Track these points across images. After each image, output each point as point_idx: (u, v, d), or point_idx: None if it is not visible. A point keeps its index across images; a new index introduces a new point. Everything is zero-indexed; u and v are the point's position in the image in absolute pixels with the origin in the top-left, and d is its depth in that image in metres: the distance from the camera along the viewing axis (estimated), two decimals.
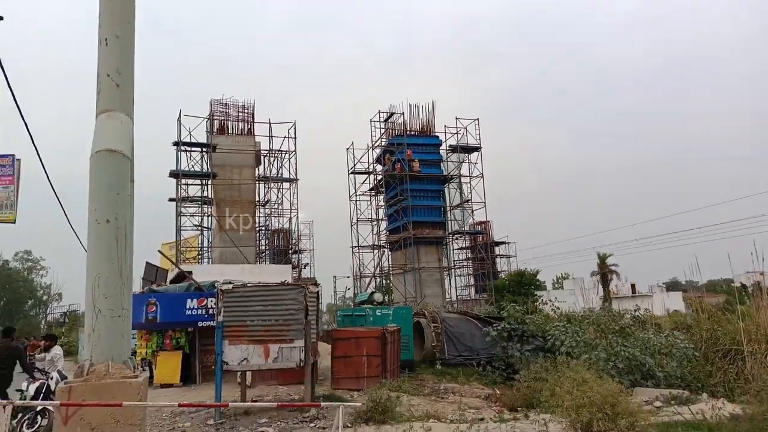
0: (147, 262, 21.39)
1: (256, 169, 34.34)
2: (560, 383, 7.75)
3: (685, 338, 14.81)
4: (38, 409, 9.09)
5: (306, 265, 48.22)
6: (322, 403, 8.92)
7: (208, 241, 34.27)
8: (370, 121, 37.34)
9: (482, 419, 9.35)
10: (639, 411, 6.78)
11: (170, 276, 22.09)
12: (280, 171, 35.05)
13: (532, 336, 16.30)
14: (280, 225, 36.39)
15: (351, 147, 39.05)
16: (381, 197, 38.97)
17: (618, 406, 6.60)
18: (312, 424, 9.80)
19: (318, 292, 12.66)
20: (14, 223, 15.87)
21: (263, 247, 37.43)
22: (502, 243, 43.99)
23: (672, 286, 64.44)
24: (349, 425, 9.30)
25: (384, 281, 40.75)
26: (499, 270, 41.27)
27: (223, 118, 32.87)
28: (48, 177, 10.30)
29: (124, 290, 7.07)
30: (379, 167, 38.69)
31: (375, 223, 38.80)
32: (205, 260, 33.26)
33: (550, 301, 21.78)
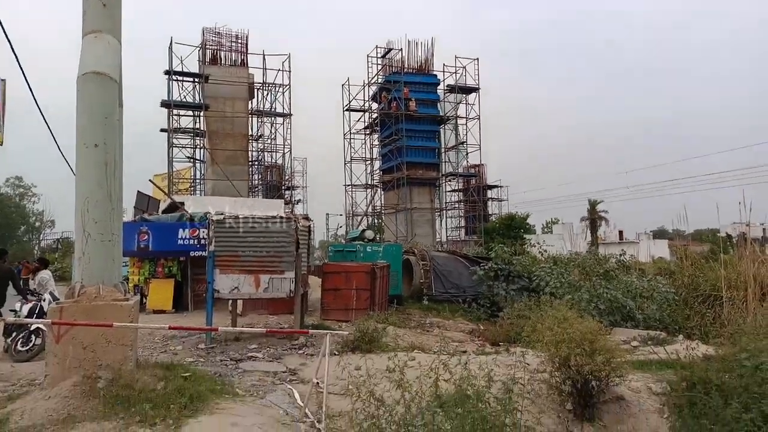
0: (138, 191, 21.33)
1: (249, 102, 33.71)
2: (542, 320, 7.97)
3: (667, 283, 15.20)
4: (32, 328, 9.29)
5: (299, 201, 48.35)
6: (310, 331, 9.17)
7: (201, 173, 34.08)
8: (367, 56, 36.40)
9: (465, 352, 9.68)
10: (616, 349, 7.00)
11: (162, 206, 22.09)
12: (274, 105, 34.45)
13: (518, 276, 16.66)
14: (274, 160, 36.14)
15: (346, 83, 38.23)
16: (376, 136, 38.55)
17: (596, 343, 6.80)
18: (300, 351, 10.12)
19: (309, 226, 12.76)
20: (1, 144, 15.63)
21: (256, 182, 37.33)
22: (495, 186, 44.07)
23: (659, 234, 65.40)
24: (336, 353, 9.62)
25: (376, 220, 41.02)
26: (490, 213, 41.55)
27: (215, 47, 31.91)
28: (36, 100, 10.04)
29: (114, 215, 7.08)
30: (374, 105, 38.06)
31: (369, 162, 38.60)
32: (198, 192, 33.19)
33: (538, 244, 22.14)
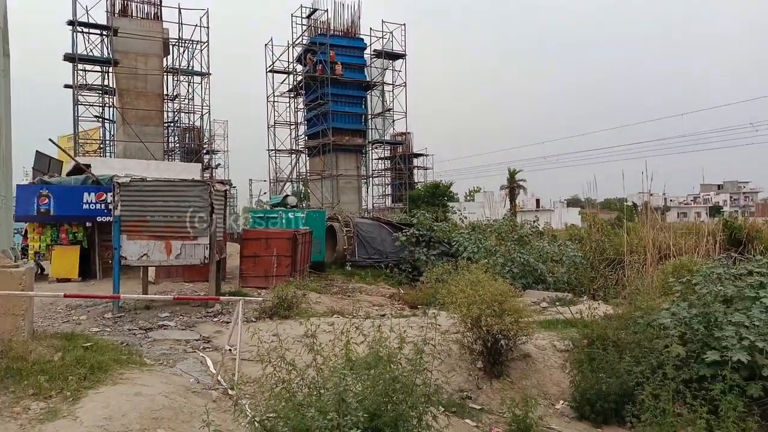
0: (37, 152, 19.63)
1: (164, 59, 31.65)
2: (457, 283, 8.17)
3: (576, 248, 16.10)
4: None
5: (219, 165, 46.59)
6: (222, 298, 8.92)
7: (110, 134, 31.87)
8: (291, 15, 35.06)
9: (383, 315, 9.80)
10: (524, 309, 7.31)
11: (66, 169, 20.50)
12: (191, 63, 32.58)
13: (438, 242, 17.04)
14: (192, 122, 34.41)
15: (270, 43, 36.75)
16: (300, 100, 37.55)
17: (505, 304, 7.07)
18: (216, 319, 9.84)
19: (226, 190, 12.29)
20: None
21: (172, 145, 35.48)
22: (421, 155, 44.48)
23: (572, 202, 69.18)
24: (254, 320, 9.43)
25: (301, 186, 40.39)
26: (416, 181, 42.00)
27: None
28: None
29: (1, 176, 6.44)
30: (299, 67, 36.92)
31: (293, 126, 37.63)
32: (108, 154, 31.07)
33: (461, 211, 22.70)
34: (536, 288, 13.69)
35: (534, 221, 17.99)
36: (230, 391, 6.33)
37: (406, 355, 4.99)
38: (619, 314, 8.34)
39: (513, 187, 50.33)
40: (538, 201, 63.22)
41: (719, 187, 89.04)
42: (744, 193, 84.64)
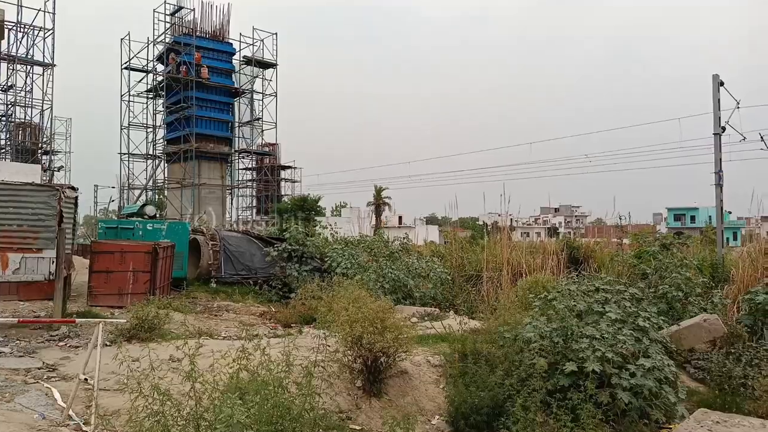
0: None
1: None
2: (336, 300, 8.11)
3: (440, 264, 16.91)
4: None
5: (60, 168, 41.75)
6: (78, 319, 7.90)
7: None
8: (154, 11, 32.78)
9: (256, 335, 9.37)
10: (404, 326, 7.47)
11: None
12: (32, 51, 28.90)
13: (311, 257, 16.82)
14: (28, 118, 30.43)
15: (127, 38, 33.94)
16: (160, 101, 35.08)
17: (386, 321, 7.17)
18: (61, 343, 8.68)
19: (76, 197, 11.04)
20: None
21: (2, 142, 31.06)
22: (289, 167, 43.88)
23: (431, 220, 72.98)
24: (109, 344, 8.45)
25: (157, 195, 37.57)
26: (283, 194, 41.30)
27: None
28: None
29: None
30: (160, 67, 34.55)
31: (151, 130, 35.00)
32: None
33: (330, 225, 22.73)
34: (405, 303, 14.07)
35: (404, 238, 18.57)
36: (84, 427, 5.58)
37: (295, 379, 4.80)
38: (486, 328, 8.89)
39: (379, 203, 51.74)
40: (400, 218, 65.66)
41: (556, 210, 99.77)
42: (576, 216, 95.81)
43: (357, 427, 6.62)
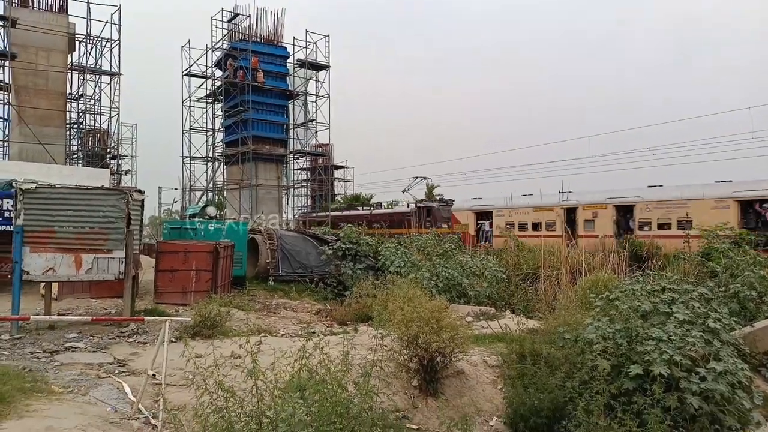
0: None
1: (69, 55, 29.41)
2: (392, 299, 8.12)
3: (496, 263, 16.66)
4: None
5: (127, 171, 43.96)
6: (146, 318, 8.28)
7: (4, 134, 29.04)
8: (212, 18, 33.89)
9: (313, 332, 9.54)
10: (460, 325, 7.40)
11: None
12: (100, 62, 30.49)
13: (364, 255, 16.97)
14: (98, 124, 32.14)
15: (187, 45, 35.25)
16: (219, 106, 36.24)
17: (442, 320, 7.12)
18: (131, 339, 9.12)
19: (142, 200, 11.55)
20: None
21: (75, 148, 32.94)
22: (342, 167, 44.47)
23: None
24: (174, 340, 8.80)
25: (217, 196, 38.88)
26: (336, 193, 41.85)
27: None
28: None
29: None
30: (218, 72, 35.70)
31: (211, 133, 36.23)
32: (1, 156, 28.25)
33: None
34: (459, 302, 13.94)
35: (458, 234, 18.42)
36: (153, 421, 5.85)
37: (353, 379, 4.84)
38: (545, 329, 8.68)
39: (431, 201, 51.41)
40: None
41: None
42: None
43: (414, 427, 6.61)
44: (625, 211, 26.51)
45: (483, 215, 33.75)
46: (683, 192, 24.15)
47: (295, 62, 36.16)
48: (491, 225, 32.67)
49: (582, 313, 8.37)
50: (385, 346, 5.69)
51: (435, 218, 31.42)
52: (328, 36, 36.34)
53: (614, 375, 6.35)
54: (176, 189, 40.59)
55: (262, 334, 9.34)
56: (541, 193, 31.13)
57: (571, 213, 28.43)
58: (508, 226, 30.52)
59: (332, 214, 35.85)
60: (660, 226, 24.11)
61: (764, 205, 21.71)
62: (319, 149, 39.75)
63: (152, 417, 5.88)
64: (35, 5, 27.31)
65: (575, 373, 6.57)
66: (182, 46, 35.21)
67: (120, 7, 29.54)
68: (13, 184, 9.89)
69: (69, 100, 30.04)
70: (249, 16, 34.09)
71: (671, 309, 7.19)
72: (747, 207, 22.20)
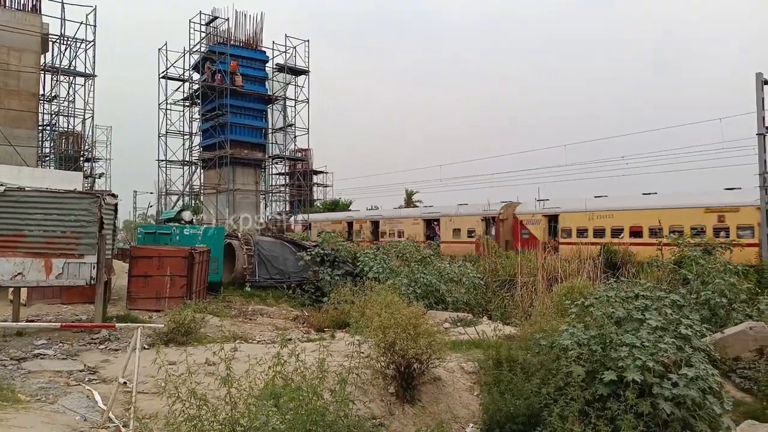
0: None
1: (43, 56, 28.77)
2: (370, 305, 8.09)
3: (473, 269, 16.75)
4: None
5: (101, 175, 43.10)
6: (117, 324, 8.10)
7: None
8: (190, 21, 33.44)
9: (290, 339, 9.45)
10: (438, 332, 7.40)
11: None
12: (74, 63, 29.91)
13: (343, 261, 16.90)
14: (71, 127, 31.47)
15: (164, 48, 34.78)
16: (196, 109, 35.82)
17: (420, 327, 7.12)
18: (102, 346, 8.93)
19: (116, 204, 11.33)
20: None
21: (47, 150, 32.19)
22: (321, 172, 44.28)
23: None
24: (147, 347, 8.64)
25: (194, 200, 38.38)
26: (315, 198, 41.65)
27: None
28: None
29: None
30: (196, 75, 35.29)
31: (187, 137, 35.75)
32: None
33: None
34: (437, 308, 13.97)
35: (436, 240, 18.48)
36: (123, 429, 5.71)
37: (329, 386, 4.80)
38: (521, 335, 8.74)
39: (410, 207, 51.59)
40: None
41: None
42: None
43: None
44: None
45: (431, 222, 35.33)
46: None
47: (275, 66, 35.98)
48: (439, 231, 34.07)
49: (558, 320, 8.44)
50: (362, 353, 5.65)
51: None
52: (308, 41, 36.25)
53: (589, 381, 6.41)
54: (152, 193, 39.97)
55: (238, 341, 9.25)
56: (489, 202, 31.99)
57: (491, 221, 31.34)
58: (456, 232, 32.32)
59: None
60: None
61: (434, 223, 33.61)
62: (298, 154, 39.54)
63: (123, 426, 5.76)
64: (7, 4, 26.68)
65: (551, 380, 6.62)
66: (159, 49, 34.72)
67: (95, 8, 29.01)
68: None
69: (42, 102, 29.35)
70: (227, 20, 33.79)
71: (644, 315, 7.30)
72: (428, 223, 33.72)
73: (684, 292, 10.76)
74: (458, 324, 11.57)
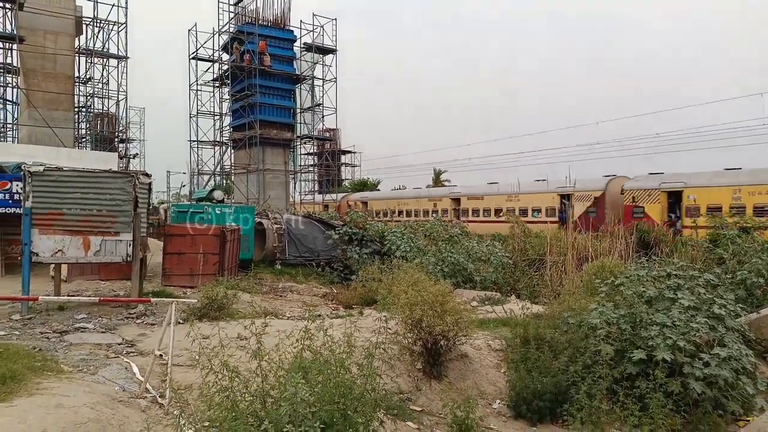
0: None
1: (77, 39, 29.39)
2: (397, 283, 8.15)
3: (502, 248, 16.65)
4: None
5: (135, 155, 44.15)
6: (153, 299, 8.37)
7: (13, 117, 29.20)
8: (218, 2, 33.66)
9: (319, 315, 9.61)
10: (464, 310, 7.43)
11: None
12: (107, 45, 30.47)
13: (371, 240, 17.02)
14: (106, 108, 32.20)
15: (194, 29, 35.10)
16: (226, 90, 36.15)
17: (446, 304, 7.15)
18: (139, 321, 9.24)
19: (150, 183, 11.60)
20: None
21: (83, 132, 33.06)
22: (349, 152, 44.39)
23: None
24: (181, 321, 8.92)
25: (224, 180, 38.99)
26: (343, 178, 41.82)
27: None
28: None
29: None
30: (225, 56, 35.54)
31: (218, 117, 36.19)
32: (9, 139, 28.44)
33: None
34: (465, 287, 13.97)
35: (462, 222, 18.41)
36: (160, 400, 5.94)
37: (356, 361, 4.89)
38: (549, 314, 8.70)
39: (438, 186, 51.33)
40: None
41: None
42: None
43: (417, 408, 6.68)
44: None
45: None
46: None
47: (302, 46, 35.91)
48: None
49: (587, 299, 8.37)
50: (389, 329, 5.73)
51: None
52: (335, 20, 36.03)
53: (617, 360, 6.37)
54: (184, 173, 40.71)
55: (268, 317, 9.46)
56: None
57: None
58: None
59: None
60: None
61: None
62: (326, 134, 39.64)
63: (159, 396, 5.98)
64: None
65: (578, 358, 6.60)
66: (188, 30, 35.08)
67: None
68: (22, 167, 9.95)
69: (77, 84, 30.07)
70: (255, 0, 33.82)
71: (676, 295, 7.17)
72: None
73: (719, 272, 10.49)
74: (486, 302, 11.56)
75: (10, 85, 28.21)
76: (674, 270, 7.89)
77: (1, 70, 27.70)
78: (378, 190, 40.37)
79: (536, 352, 7.09)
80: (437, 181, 52.83)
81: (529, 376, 6.74)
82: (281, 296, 12.88)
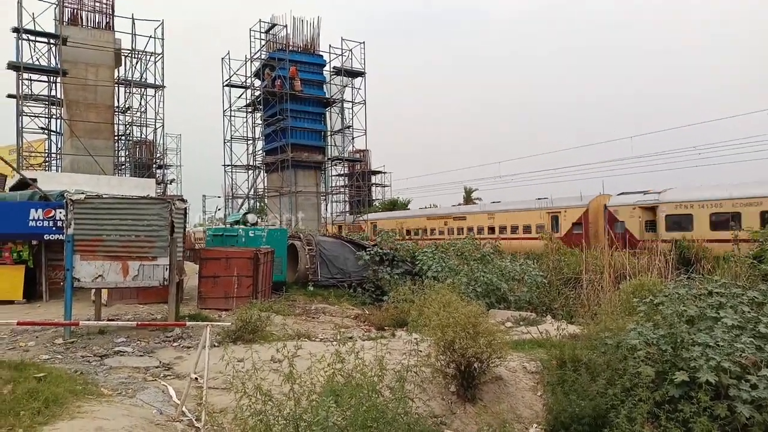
0: None
1: (116, 70, 30.69)
2: (428, 304, 8.10)
3: (536, 267, 16.37)
4: None
5: (172, 181, 45.44)
6: (188, 323, 8.53)
7: (57, 146, 30.50)
8: (250, 30, 34.68)
9: (351, 337, 9.61)
10: (497, 331, 7.31)
11: (10, 183, 19.42)
12: (144, 75, 31.70)
13: (402, 261, 16.99)
14: (143, 136, 33.37)
15: (227, 57, 36.24)
16: (258, 115, 37.05)
17: (479, 326, 7.05)
18: (175, 344, 9.41)
19: (185, 208, 11.91)
20: None
21: (123, 159, 34.27)
22: (379, 172, 44.69)
23: None
24: (216, 344, 9.05)
25: (258, 203, 39.67)
26: (374, 198, 42.04)
27: (75, 6, 28.49)
28: None
29: None
30: (257, 82, 36.49)
31: (251, 141, 37.05)
32: (53, 168, 29.68)
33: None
34: (498, 307, 13.78)
35: (495, 241, 18.22)
36: (196, 423, 6.01)
37: (388, 384, 4.87)
38: (586, 334, 8.48)
39: (468, 205, 51.04)
40: None
41: None
42: None
43: None
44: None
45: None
46: None
47: (332, 70, 36.58)
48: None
49: (625, 319, 8.14)
50: (421, 351, 5.68)
51: None
52: (363, 43, 36.67)
53: (658, 382, 6.14)
54: (219, 197, 41.63)
55: (301, 339, 9.48)
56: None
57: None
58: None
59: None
60: None
61: None
62: (356, 155, 40.05)
63: (195, 419, 6.05)
64: (84, 23, 28.62)
65: (617, 380, 6.39)
66: (222, 58, 36.26)
67: (162, 22, 30.71)
68: (64, 195, 10.36)
69: (116, 113, 31.30)
70: (286, 26, 34.74)
71: (719, 314, 6.91)
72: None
73: (765, 289, 10.07)
74: (521, 323, 11.36)
75: (54, 116, 29.52)
76: (716, 288, 7.61)
77: (47, 102, 29.05)
78: (408, 209, 40.41)
79: (573, 375, 6.90)
80: (468, 200, 52.56)
81: (567, 399, 6.56)
82: (314, 318, 12.93)
